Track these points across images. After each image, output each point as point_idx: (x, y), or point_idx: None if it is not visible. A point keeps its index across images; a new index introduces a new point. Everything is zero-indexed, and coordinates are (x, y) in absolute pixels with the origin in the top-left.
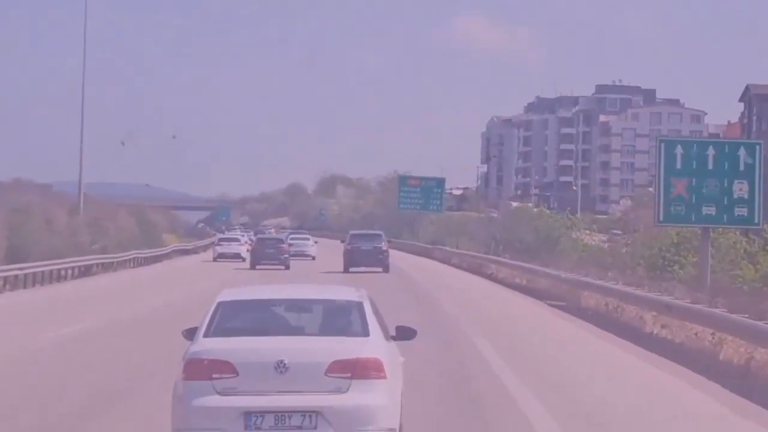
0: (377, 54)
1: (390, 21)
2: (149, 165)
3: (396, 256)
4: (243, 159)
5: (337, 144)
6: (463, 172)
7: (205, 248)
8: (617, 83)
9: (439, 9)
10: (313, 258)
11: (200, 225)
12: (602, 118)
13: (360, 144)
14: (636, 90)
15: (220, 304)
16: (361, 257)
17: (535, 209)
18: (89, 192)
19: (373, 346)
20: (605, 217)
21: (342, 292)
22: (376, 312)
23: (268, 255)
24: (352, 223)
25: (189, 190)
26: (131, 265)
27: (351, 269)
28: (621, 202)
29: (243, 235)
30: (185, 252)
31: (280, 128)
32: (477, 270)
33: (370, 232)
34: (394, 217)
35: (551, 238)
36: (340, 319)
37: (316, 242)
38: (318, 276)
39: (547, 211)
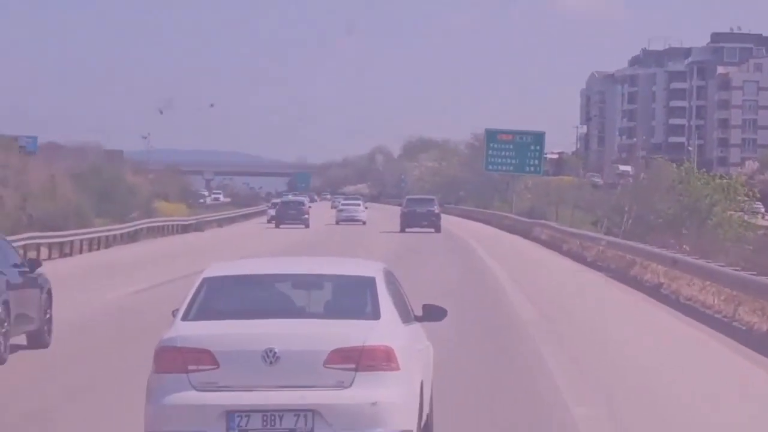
0: (468, 11)
1: None
2: (229, 130)
3: (479, 234)
4: (331, 123)
5: (426, 107)
6: (560, 134)
7: (221, 222)
8: (735, 31)
9: None
10: (364, 223)
11: (258, 190)
12: (720, 70)
13: (450, 106)
14: (757, 38)
15: (205, 280)
16: (416, 219)
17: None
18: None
19: (384, 331)
20: (726, 181)
21: (352, 266)
22: (392, 289)
23: (290, 215)
24: (435, 189)
25: (277, 156)
26: (54, 256)
27: (407, 229)
28: (746, 164)
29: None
30: (185, 228)
31: (371, 91)
32: (622, 273)
33: (425, 196)
34: (483, 182)
35: (699, 209)
36: (346, 298)
37: (366, 207)
38: (377, 236)
39: (696, 171)
